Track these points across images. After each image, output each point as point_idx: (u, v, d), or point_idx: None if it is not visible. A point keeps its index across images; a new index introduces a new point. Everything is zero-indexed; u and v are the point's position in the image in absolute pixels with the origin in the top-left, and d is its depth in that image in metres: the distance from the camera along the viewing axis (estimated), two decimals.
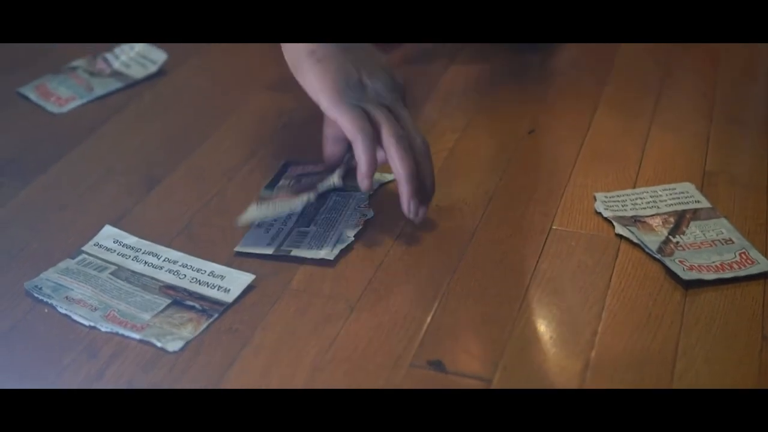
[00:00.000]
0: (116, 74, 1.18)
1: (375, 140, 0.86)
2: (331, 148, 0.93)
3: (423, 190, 0.88)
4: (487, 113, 1.11)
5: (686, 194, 0.96)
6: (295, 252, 0.87)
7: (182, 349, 0.77)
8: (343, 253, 0.87)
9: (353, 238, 0.89)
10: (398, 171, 0.86)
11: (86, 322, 0.80)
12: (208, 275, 0.85)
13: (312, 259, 0.86)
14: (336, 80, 0.87)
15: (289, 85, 1.11)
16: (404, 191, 0.87)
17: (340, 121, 0.86)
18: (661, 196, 0.95)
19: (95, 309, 0.81)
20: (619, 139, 1.06)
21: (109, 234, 0.90)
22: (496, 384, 0.74)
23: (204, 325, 0.80)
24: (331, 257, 0.86)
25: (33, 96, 1.14)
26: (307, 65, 0.88)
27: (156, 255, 0.88)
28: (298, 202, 0.90)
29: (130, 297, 0.82)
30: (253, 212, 0.89)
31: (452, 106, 1.13)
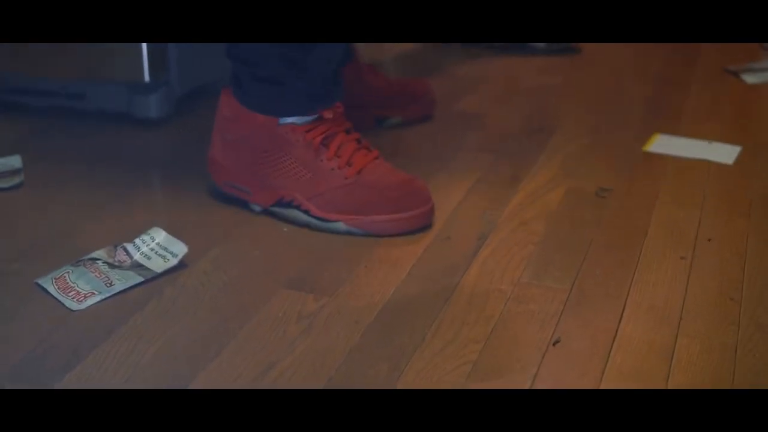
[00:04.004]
0: (136, 266, 1.17)
1: None
2: None
3: None
4: (511, 319, 1.09)
5: None
6: None
7: None
8: None
9: None
10: None
11: None
12: None
13: None
14: None
15: (308, 282, 1.10)
16: None
17: None
18: None
19: None
20: (645, 353, 1.04)
21: None
22: None
23: None
24: None
25: (52, 289, 1.13)
26: None
27: None
28: None
29: None
30: None
31: (475, 312, 1.11)
